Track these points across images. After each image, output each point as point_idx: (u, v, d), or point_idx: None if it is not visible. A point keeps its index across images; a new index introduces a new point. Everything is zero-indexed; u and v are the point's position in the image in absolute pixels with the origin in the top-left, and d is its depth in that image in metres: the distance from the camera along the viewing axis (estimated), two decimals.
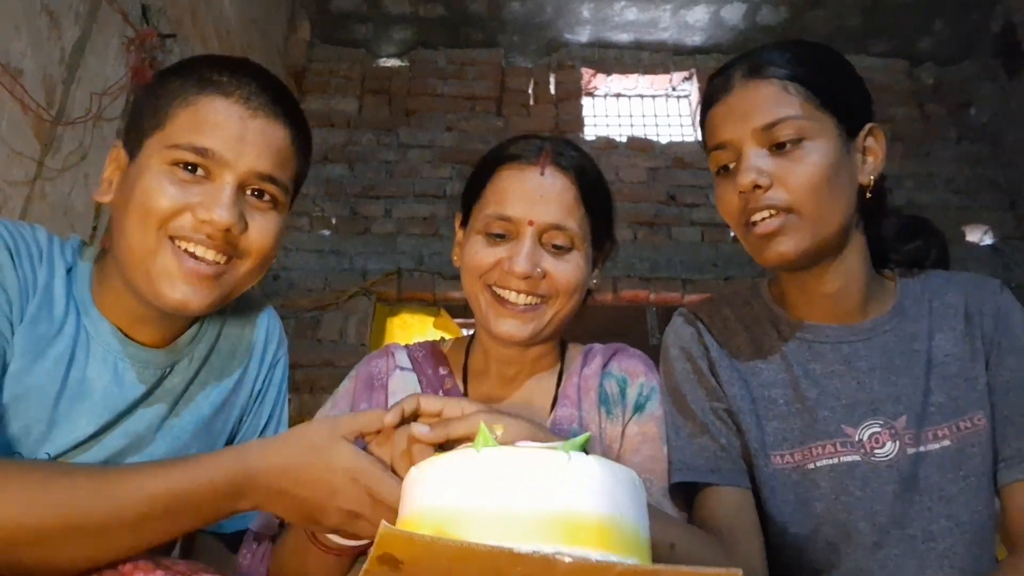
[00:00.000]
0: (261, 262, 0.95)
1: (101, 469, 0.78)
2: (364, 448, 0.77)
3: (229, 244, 0.90)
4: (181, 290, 0.89)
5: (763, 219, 0.98)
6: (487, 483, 0.54)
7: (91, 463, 0.89)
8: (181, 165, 0.88)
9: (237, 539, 1.03)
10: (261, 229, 0.93)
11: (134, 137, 0.92)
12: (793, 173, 0.96)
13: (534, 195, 1.03)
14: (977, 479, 1.00)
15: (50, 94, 2.11)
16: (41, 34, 2.06)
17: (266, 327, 1.11)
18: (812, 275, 1.04)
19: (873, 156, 1.03)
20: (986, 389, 1.02)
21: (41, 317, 0.90)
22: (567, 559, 0.49)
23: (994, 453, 1.01)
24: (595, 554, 0.52)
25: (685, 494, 1.05)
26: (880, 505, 0.99)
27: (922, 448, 1.00)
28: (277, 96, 0.94)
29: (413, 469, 0.60)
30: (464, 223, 1.13)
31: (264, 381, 1.10)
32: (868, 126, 1.03)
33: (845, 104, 1.01)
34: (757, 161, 0.97)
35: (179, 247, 0.89)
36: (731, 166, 1.01)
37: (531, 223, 1.02)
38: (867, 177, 1.02)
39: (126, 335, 0.96)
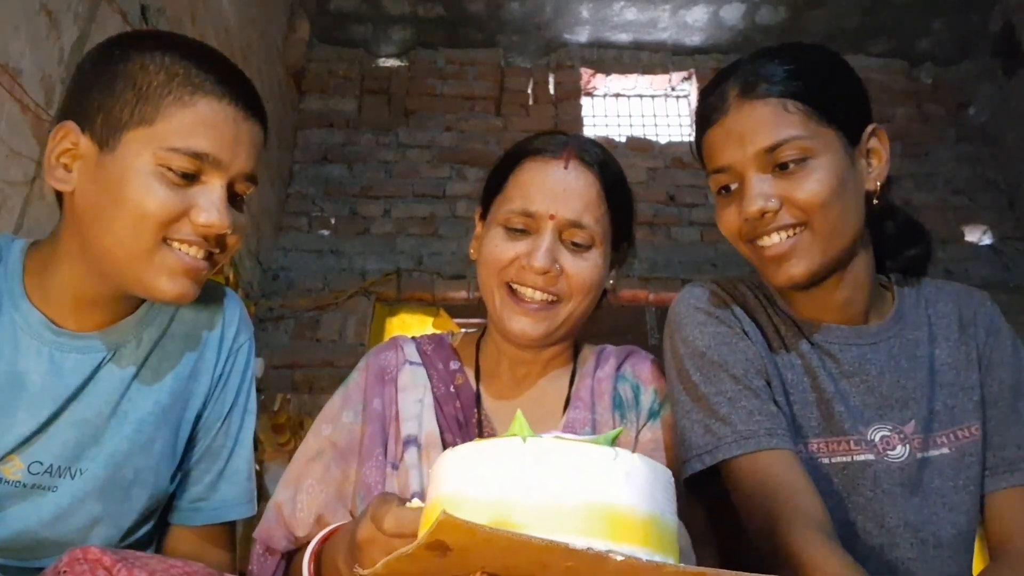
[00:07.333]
0: (233, 253, 0.98)
1: None
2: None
3: (218, 242, 0.92)
4: (182, 284, 0.90)
5: (773, 243, 0.95)
6: (535, 474, 0.55)
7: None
8: (175, 168, 0.87)
9: (212, 531, 1.05)
10: (239, 226, 0.94)
11: (104, 125, 0.88)
12: (801, 192, 0.93)
13: (556, 188, 1.02)
14: (976, 488, 1.00)
15: (49, 94, 2.11)
16: (40, 34, 2.06)
17: (224, 312, 1.08)
18: (821, 289, 1.02)
19: (877, 158, 1.00)
20: (980, 399, 1.02)
21: None
22: (618, 557, 0.50)
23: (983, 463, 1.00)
24: (642, 552, 0.53)
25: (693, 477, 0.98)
26: (889, 507, 0.98)
27: (928, 453, 1.00)
28: (254, 93, 0.95)
29: (449, 452, 0.60)
30: (484, 216, 1.11)
31: (225, 366, 1.07)
32: (870, 128, 1.00)
33: (846, 112, 0.97)
34: (762, 187, 0.94)
35: (174, 246, 0.89)
36: (732, 187, 0.98)
37: (552, 217, 1.01)
38: (874, 183, 0.99)
39: (56, 324, 0.94)
